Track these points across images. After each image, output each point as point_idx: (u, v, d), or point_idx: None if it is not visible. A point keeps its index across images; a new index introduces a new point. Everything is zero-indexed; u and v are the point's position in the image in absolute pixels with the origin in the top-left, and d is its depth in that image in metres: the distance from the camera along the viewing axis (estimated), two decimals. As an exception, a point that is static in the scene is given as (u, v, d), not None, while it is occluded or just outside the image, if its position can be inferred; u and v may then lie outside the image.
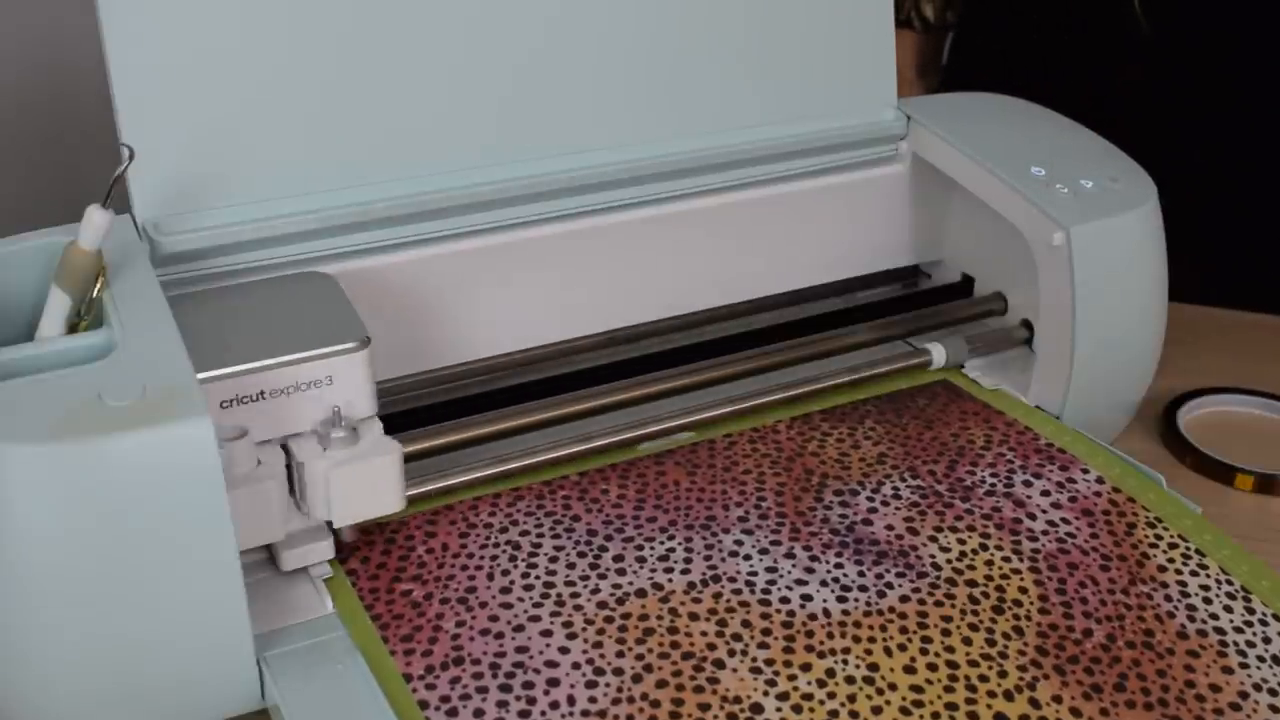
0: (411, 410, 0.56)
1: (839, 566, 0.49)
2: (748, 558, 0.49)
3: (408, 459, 0.49)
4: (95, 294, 0.47)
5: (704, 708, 0.43)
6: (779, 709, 0.43)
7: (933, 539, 0.51)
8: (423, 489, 0.51)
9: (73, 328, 0.47)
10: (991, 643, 0.46)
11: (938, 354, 0.62)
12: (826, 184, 0.62)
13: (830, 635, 0.46)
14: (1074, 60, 0.90)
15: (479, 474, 0.52)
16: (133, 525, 0.40)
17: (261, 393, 0.46)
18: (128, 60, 0.49)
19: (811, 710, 0.43)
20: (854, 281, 0.66)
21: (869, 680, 0.44)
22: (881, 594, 0.48)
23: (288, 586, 0.48)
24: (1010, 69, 0.90)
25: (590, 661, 0.45)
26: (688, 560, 0.49)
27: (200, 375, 0.43)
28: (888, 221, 0.65)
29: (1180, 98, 0.87)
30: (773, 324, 0.64)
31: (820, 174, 0.62)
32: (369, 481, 0.47)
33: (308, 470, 0.46)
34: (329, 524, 0.48)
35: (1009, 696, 0.44)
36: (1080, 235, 0.56)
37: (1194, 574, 0.50)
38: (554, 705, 0.43)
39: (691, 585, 0.48)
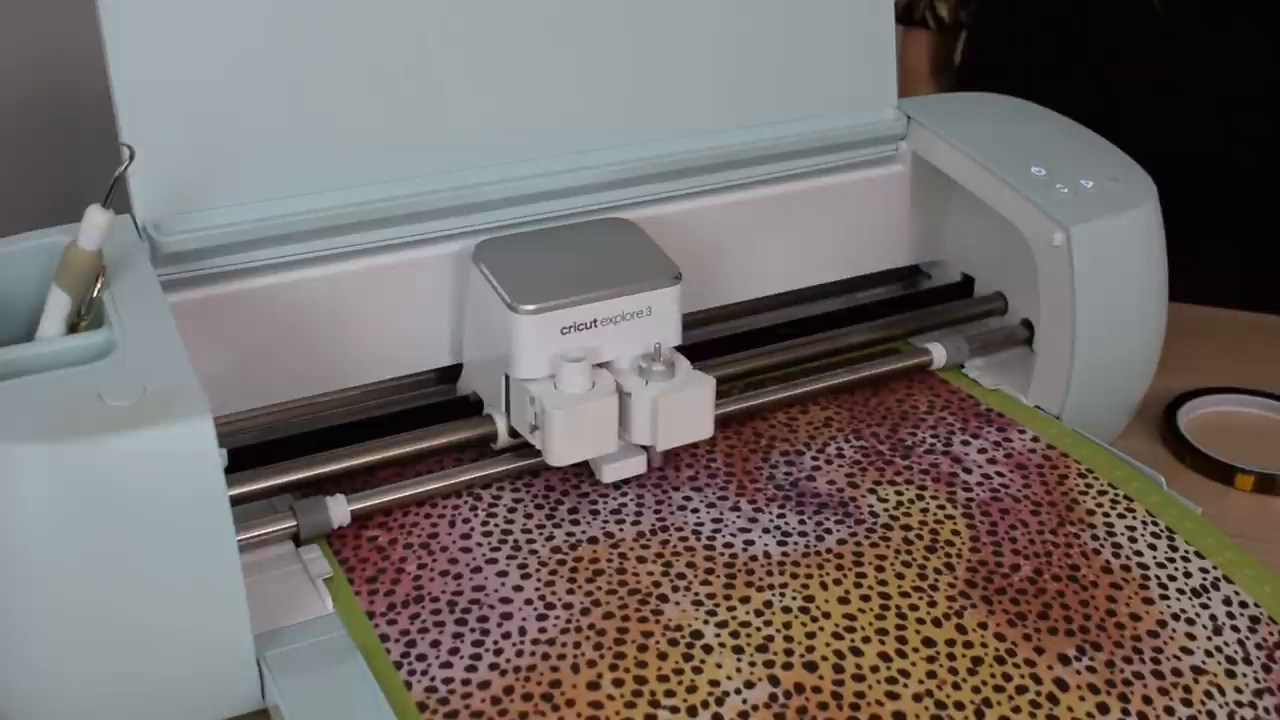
0: (409, 412, 0.56)
1: (781, 516, 0.52)
2: (695, 511, 0.52)
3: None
4: (95, 294, 0.47)
5: (647, 635, 0.46)
6: (718, 635, 0.46)
7: (872, 491, 0.53)
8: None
9: (73, 328, 0.47)
10: (923, 577, 0.49)
11: (938, 354, 0.62)
12: (826, 184, 0.62)
13: (769, 573, 0.49)
14: (1087, 59, 0.90)
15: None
16: (133, 525, 0.40)
17: (594, 320, 0.50)
18: (128, 60, 0.49)
19: (749, 636, 0.46)
20: (854, 281, 0.66)
21: (804, 610, 0.47)
22: (820, 538, 0.50)
23: (288, 586, 0.48)
24: (1024, 68, 0.90)
25: (542, 598, 0.47)
26: (639, 513, 0.51)
27: (546, 303, 0.50)
28: (888, 221, 0.65)
29: (1183, 97, 0.87)
30: (773, 324, 0.64)
31: (820, 174, 0.62)
32: (689, 410, 0.51)
33: (635, 400, 0.50)
34: (642, 446, 0.53)
35: (937, 623, 0.47)
36: (1080, 235, 0.56)
37: (1121, 516, 0.53)
38: (506, 636, 0.46)
39: (641, 534, 0.50)
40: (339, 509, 0.50)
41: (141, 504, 0.40)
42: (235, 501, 0.45)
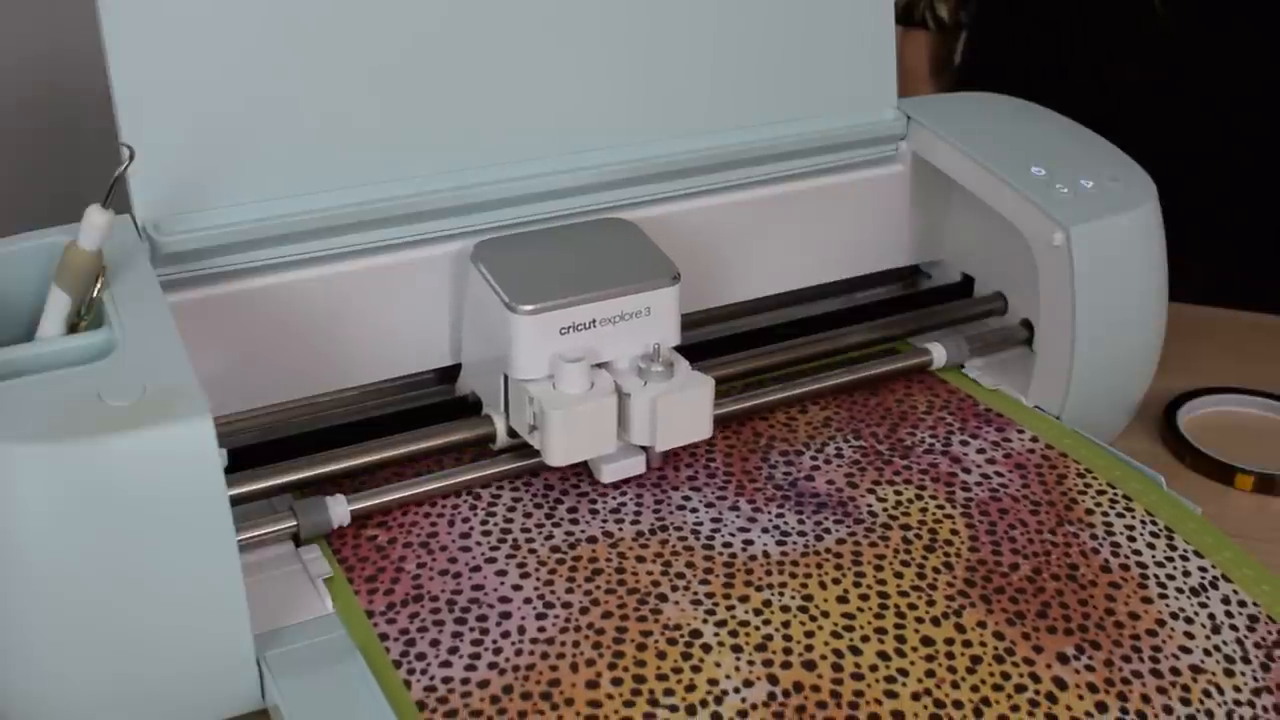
0: (409, 412, 0.56)
1: (780, 516, 0.52)
2: (694, 510, 0.52)
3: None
4: (95, 294, 0.47)
5: (646, 634, 0.46)
6: (716, 634, 0.46)
7: (871, 491, 0.53)
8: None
9: (73, 328, 0.47)
10: (922, 576, 0.49)
11: (938, 354, 0.62)
12: (826, 184, 0.62)
13: (768, 572, 0.49)
14: (1087, 59, 0.90)
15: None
16: (132, 525, 0.40)
17: (593, 320, 0.50)
18: (128, 60, 0.49)
19: (747, 635, 0.46)
20: (854, 281, 0.66)
21: (803, 609, 0.47)
22: (819, 538, 0.51)
23: (288, 586, 0.48)
24: (1024, 68, 0.90)
25: (541, 597, 0.47)
26: (638, 513, 0.52)
27: (545, 303, 0.50)
28: (887, 221, 0.65)
29: (1183, 97, 0.87)
30: (773, 324, 0.64)
31: (820, 174, 0.62)
32: (688, 410, 0.51)
33: (634, 401, 0.50)
34: (641, 447, 0.53)
35: (936, 622, 0.47)
36: (1080, 235, 0.56)
37: (1120, 515, 0.53)
38: (505, 635, 0.46)
39: (640, 534, 0.50)
40: (339, 509, 0.50)
41: (141, 504, 0.40)
42: (235, 501, 0.45)
